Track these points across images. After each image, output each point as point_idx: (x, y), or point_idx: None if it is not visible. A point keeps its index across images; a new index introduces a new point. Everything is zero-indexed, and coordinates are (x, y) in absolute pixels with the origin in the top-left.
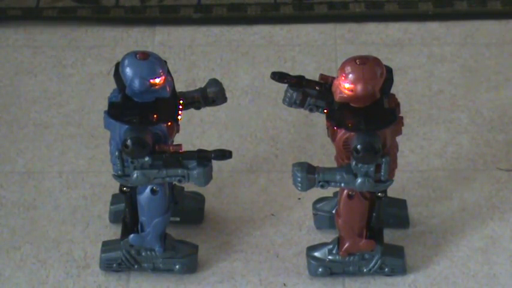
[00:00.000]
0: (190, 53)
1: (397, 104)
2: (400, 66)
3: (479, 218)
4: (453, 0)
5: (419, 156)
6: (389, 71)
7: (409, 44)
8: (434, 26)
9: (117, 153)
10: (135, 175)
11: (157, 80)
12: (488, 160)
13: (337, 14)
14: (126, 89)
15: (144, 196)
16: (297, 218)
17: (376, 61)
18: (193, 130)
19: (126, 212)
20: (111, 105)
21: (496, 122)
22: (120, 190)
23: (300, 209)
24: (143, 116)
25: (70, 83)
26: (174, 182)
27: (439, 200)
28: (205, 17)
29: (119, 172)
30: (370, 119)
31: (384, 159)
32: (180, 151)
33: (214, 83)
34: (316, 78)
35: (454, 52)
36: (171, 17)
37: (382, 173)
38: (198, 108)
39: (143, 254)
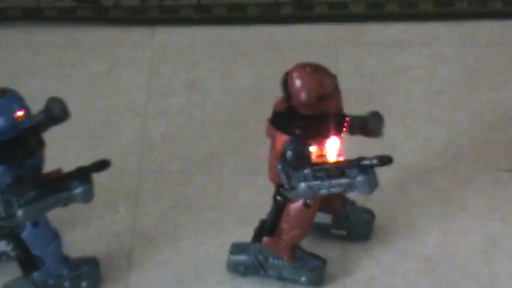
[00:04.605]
0: (190, 53)
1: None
2: (400, 66)
3: (480, 219)
4: (453, 0)
5: (420, 156)
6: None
7: (409, 44)
8: (434, 26)
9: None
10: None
11: (19, 113)
12: (488, 161)
13: (337, 14)
14: None
15: (27, 232)
16: None
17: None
18: (193, 130)
19: (19, 252)
20: None
21: (497, 123)
22: None
23: None
24: (12, 155)
25: (70, 83)
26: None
27: (439, 200)
28: (205, 17)
29: (2, 214)
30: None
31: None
32: (61, 174)
33: (55, 100)
34: None
35: (454, 52)
36: (171, 17)
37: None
38: (44, 130)
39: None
